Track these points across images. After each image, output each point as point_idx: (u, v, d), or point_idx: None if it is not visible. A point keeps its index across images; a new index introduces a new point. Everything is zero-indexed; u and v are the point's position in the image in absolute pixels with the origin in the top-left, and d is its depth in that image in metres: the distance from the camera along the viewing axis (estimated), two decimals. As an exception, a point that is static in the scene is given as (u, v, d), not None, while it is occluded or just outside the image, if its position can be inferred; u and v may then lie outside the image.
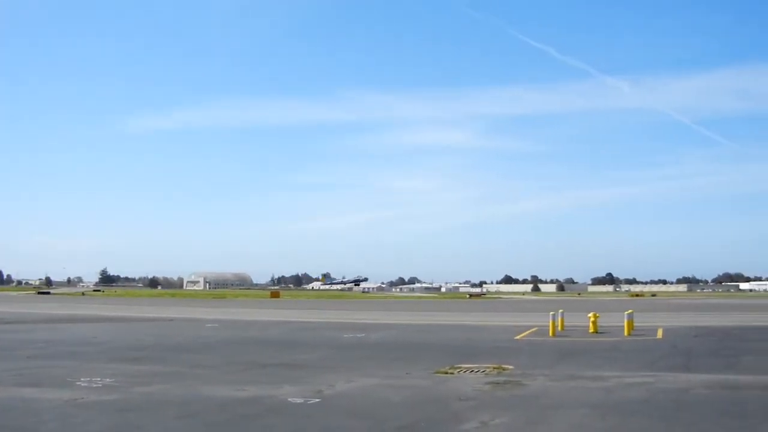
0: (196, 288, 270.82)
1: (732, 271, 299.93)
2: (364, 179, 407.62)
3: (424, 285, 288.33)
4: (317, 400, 15.01)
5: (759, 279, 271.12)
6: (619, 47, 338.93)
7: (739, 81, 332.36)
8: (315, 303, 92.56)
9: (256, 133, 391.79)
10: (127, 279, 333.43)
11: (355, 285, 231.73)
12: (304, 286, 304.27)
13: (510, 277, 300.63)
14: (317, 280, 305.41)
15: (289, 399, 15.05)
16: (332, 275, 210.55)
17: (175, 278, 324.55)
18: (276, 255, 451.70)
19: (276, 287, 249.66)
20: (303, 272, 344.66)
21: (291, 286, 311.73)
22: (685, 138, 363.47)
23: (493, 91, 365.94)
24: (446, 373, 19.44)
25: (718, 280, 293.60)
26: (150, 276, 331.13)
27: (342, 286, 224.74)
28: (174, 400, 14.91)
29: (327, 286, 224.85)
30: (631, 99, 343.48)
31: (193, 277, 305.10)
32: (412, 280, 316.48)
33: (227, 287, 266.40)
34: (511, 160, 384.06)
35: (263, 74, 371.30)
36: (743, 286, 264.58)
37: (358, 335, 33.47)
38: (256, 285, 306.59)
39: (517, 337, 31.52)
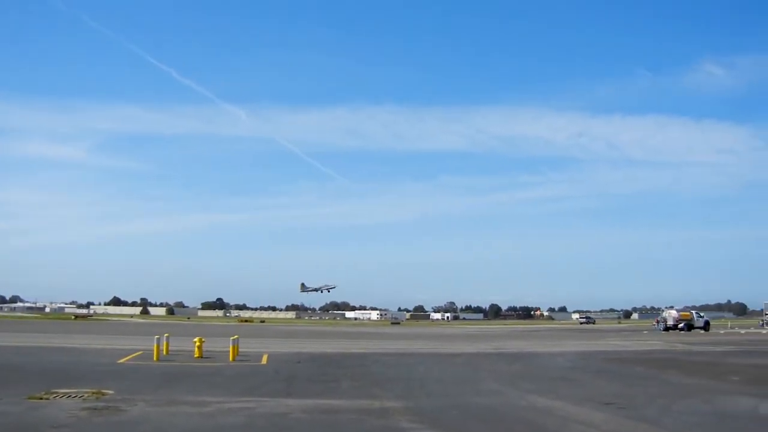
0: None
1: (339, 300, 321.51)
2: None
3: (27, 304, 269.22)
4: None
5: (363, 308, 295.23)
6: (237, 76, 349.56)
7: (351, 120, 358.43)
8: None
9: None
10: None
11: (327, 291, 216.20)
12: None
13: (119, 299, 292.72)
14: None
15: None
16: (306, 284, 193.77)
17: None
18: None
19: None
20: None
21: None
22: (300, 169, 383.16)
23: (109, 108, 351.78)
24: (40, 398, 19.15)
25: (326, 309, 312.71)
26: None
27: (317, 293, 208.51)
28: None
29: (306, 293, 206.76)
30: (249, 127, 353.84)
31: None
32: (14, 299, 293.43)
33: None
34: (126, 180, 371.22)
35: None
36: (349, 314, 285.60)
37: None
38: None
39: (121, 361, 31.40)
